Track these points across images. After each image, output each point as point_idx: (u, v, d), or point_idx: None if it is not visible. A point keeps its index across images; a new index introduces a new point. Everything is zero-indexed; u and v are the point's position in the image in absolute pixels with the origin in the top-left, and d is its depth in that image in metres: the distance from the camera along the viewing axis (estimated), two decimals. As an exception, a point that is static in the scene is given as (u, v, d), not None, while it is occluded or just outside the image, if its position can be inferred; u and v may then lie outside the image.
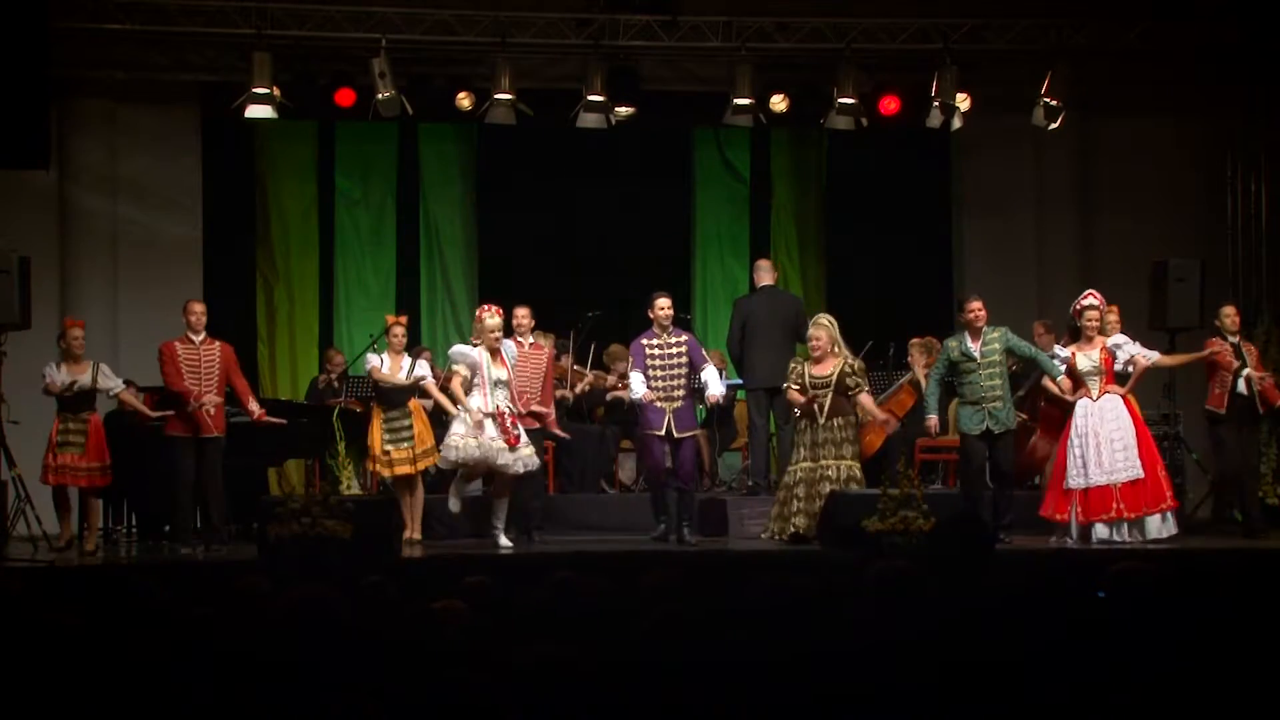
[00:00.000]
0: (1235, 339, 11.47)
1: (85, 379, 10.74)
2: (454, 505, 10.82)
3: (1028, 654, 4.15)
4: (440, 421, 11.15)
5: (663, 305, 10.98)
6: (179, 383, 10.82)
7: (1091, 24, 13.61)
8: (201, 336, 10.97)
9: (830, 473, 10.73)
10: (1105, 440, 10.70)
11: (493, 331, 10.67)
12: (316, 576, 5.32)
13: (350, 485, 11.56)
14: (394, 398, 11.20)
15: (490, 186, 15.01)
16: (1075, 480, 10.72)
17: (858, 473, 10.83)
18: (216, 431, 10.94)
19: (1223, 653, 4.22)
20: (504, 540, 10.76)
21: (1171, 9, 13.60)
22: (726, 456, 13.93)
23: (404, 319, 11.61)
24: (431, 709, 3.81)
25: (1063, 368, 10.88)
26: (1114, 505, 10.65)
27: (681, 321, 14.48)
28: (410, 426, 11.18)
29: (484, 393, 10.59)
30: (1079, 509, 10.70)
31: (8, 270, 11.47)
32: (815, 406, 10.78)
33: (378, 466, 11.18)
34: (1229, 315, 11.52)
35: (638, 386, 10.83)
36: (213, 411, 10.86)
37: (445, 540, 11.26)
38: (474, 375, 10.64)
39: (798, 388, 10.87)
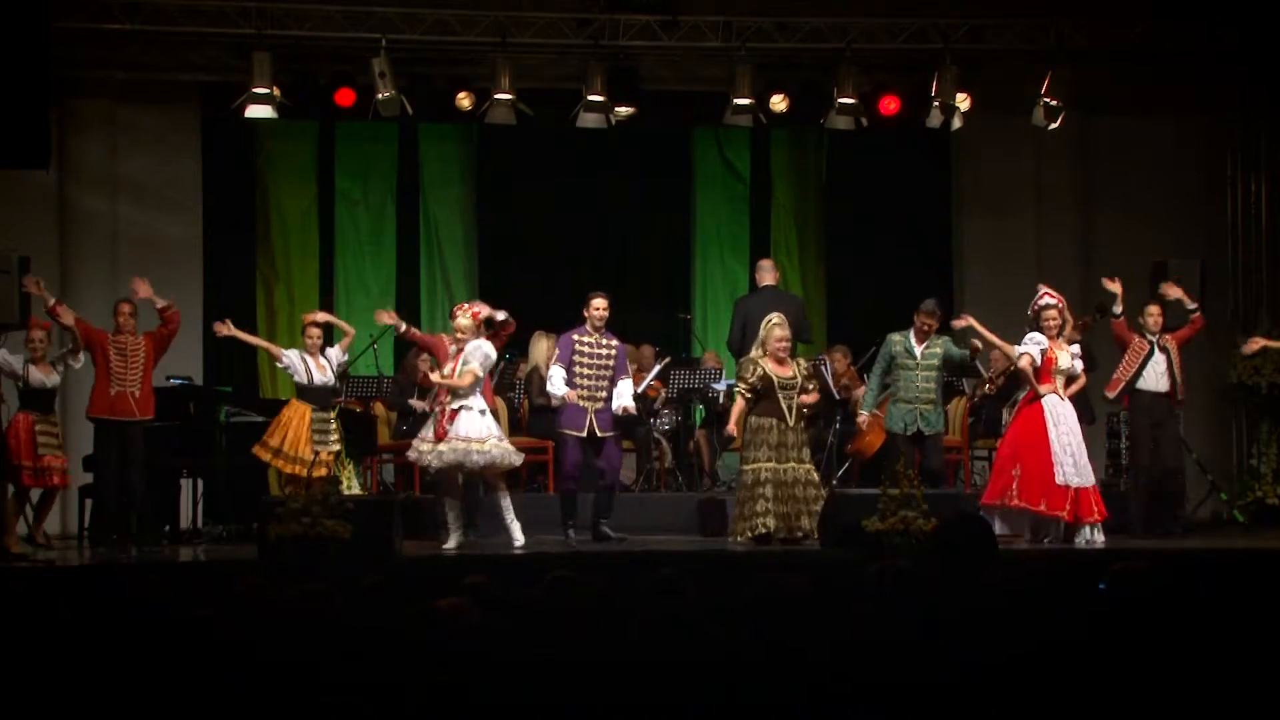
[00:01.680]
0: (1155, 337, 11.55)
1: (55, 379, 10.83)
2: (452, 542, 10.69)
3: (1028, 654, 4.15)
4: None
5: (598, 306, 10.98)
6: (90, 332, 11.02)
7: (1091, 24, 13.60)
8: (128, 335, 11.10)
9: (800, 474, 10.75)
10: (1078, 444, 10.79)
11: (461, 332, 10.68)
12: (316, 576, 5.32)
13: (350, 485, 11.56)
14: (321, 397, 11.25)
15: (490, 186, 15.00)
16: (1072, 478, 10.73)
17: (815, 475, 10.91)
18: (141, 415, 11.01)
19: (1222, 653, 4.22)
20: (518, 537, 10.71)
21: (1171, 9, 13.60)
22: (726, 456, 13.92)
23: (319, 317, 11.59)
24: (432, 709, 3.80)
25: (1040, 356, 10.91)
26: (1093, 510, 10.73)
27: (682, 322, 14.57)
28: (337, 430, 11.25)
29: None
30: (1073, 506, 10.72)
31: (8, 270, 11.48)
32: (785, 408, 10.79)
33: (296, 467, 11.08)
34: (1152, 315, 11.64)
35: (559, 385, 10.85)
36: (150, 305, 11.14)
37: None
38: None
39: (748, 396, 10.83)
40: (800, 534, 10.73)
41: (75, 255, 13.56)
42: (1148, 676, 4.05)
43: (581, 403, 10.84)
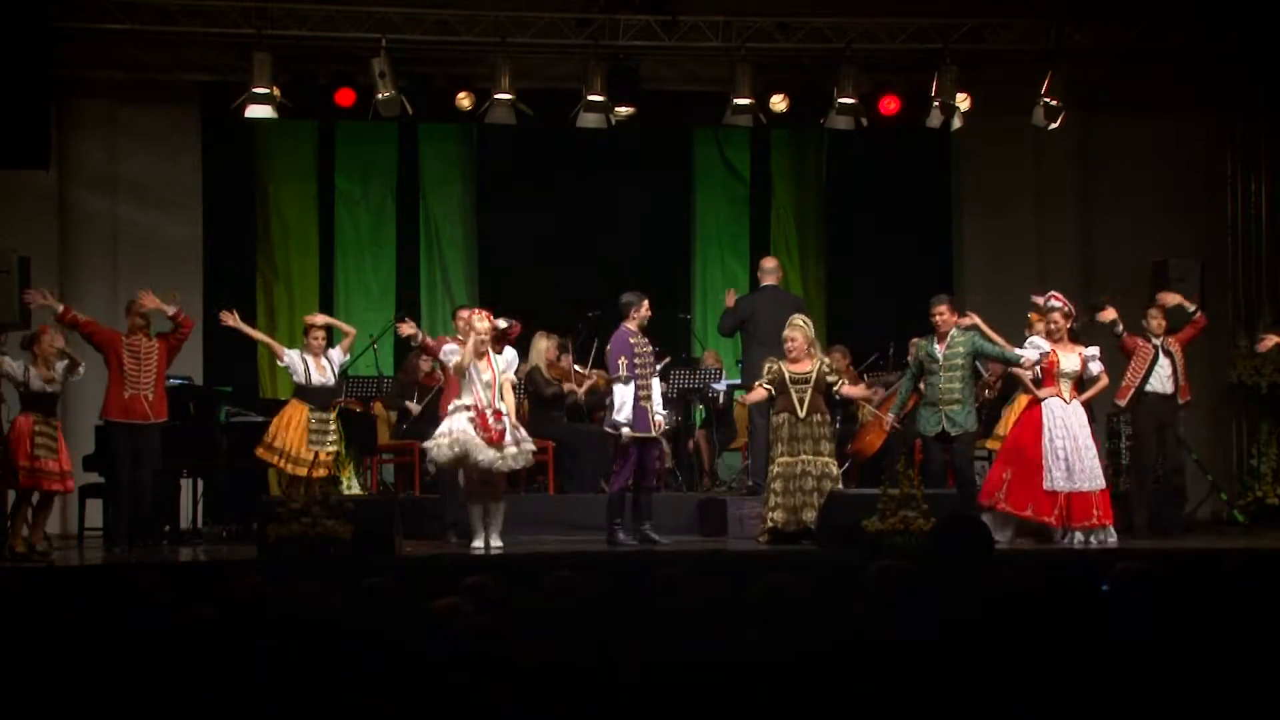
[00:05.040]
0: (1159, 340, 11.56)
1: (56, 385, 10.78)
2: (479, 542, 10.57)
3: (1028, 654, 4.15)
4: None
5: (648, 310, 11.01)
6: (102, 333, 11.00)
7: (1091, 24, 13.60)
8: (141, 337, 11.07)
9: (810, 468, 10.76)
10: (1084, 447, 10.74)
11: (483, 335, 10.65)
12: (316, 576, 5.33)
13: (350, 485, 11.56)
14: (320, 398, 11.22)
15: (490, 186, 15.00)
16: (1060, 483, 10.70)
17: (834, 469, 10.89)
18: (155, 418, 11.00)
19: (1222, 652, 4.22)
20: (495, 540, 10.67)
21: (1171, 9, 13.60)
22: (726, 456, 13.93)
23: (319, 319, 11.56)
24: (432, 709, 3.80)
25: (1036, 356, 10.89)
26: (1094, 512, 10.68)
27: (682, 322, 14.57)
28: (335, 430, 11.20)
29: (474, 391, 10.55)
30: (1061, 512, 10.69)
31: (8, 270, 11.50)
32: (796, 401, 10.81)
33: (296, 467, 11.04)
34: (1154, 318, 11.63)
35: (627, 412, 10.75)
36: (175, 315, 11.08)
37: (442, 539, 11.25)
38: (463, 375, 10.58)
39: (768, 388, 10.87)
40: (802, 526, 10.72)
41: (75, 255, 13.56)
42: (1148, 676, 4.05)
43: (641, 403, 10.83)
